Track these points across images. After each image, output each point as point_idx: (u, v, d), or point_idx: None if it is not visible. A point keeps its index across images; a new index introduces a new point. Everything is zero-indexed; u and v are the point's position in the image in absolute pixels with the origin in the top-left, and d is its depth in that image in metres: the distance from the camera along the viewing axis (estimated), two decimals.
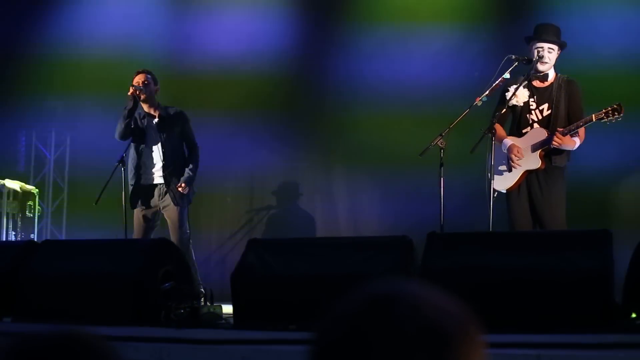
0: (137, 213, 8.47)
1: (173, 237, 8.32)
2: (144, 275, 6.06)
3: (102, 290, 5.98)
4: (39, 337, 1.53)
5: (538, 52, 7.27)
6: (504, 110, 7.30)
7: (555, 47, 7.31)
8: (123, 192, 8.24)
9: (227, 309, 6.21)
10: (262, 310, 5.68)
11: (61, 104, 11.55)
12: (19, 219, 10.78)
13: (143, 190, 8.43)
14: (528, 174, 7.25)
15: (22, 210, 10.81)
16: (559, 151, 7.16)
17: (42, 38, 11.55)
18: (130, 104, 8.34)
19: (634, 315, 5.17)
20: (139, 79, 8.50)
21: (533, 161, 7.19)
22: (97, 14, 11.46)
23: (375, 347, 1.34)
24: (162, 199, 8.41)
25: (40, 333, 1.54)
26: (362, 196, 10.55)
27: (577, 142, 7.13)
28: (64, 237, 11.33)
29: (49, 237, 11.00)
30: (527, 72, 7.32)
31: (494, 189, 7.20)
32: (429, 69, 10.12)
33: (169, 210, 8.41)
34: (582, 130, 7.14)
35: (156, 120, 8.50)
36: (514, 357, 4.16)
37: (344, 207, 10.65)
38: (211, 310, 5.95)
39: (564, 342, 4.38)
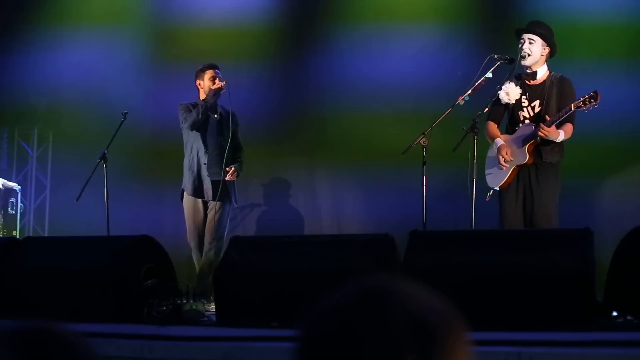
0: (194, 201, 8.49)
1: (209, 234, 8.42)
2: (126, 272, 6.06)
3: (84, 287, 5.98)
4: (9, 332, 1.51)
5: (520, 41, 7.32)
6: (487, 109, 7.34)
7: (538, 40, 7.32)
8: (105, 189, 8.21)
9: (210, 306, 6.21)
10: (245, 308, 5.69)
11: (44, 101, 11.52)
12: (1, 216, 10.76)
13: (206, 184, 8.45)
14: (519, 170, 7.27)
15: (5, 207, 10.78)
16: (547, 143, 7.18)
17: (25, 35, 11.53)
18: (211, 100, 8.42)
19: (615, 313, 5.20)
20: (217, 75, 8.57)
21: (521, 156, 7.22)
22: (81, 20, 11.47)
23: (365, 341, 1.35)
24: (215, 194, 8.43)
25: (11, 327, 1.52)
26: (345, 194, 10.55)
27: (561, 133, 7.15)
28: (46, 234, 11.30)
29: (31, 234, 10.96)
30: (510, 70, 7.35)
31: (473, 187, 7.23)
32: (412, 68, 10.12)
33: (218, 207, 8.42)
34: (569, 127, 7.18)
35: (216, 117, 8.60)
36: (495, 354, 4.18)
37: (327, 205, 10.66)
38: (193, 307, 5.94)
39: (545, 339, 4.40)
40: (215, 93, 8.42)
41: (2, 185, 10.78)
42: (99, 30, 11.23)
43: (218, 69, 8.64)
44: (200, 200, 8.48)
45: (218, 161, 8.47)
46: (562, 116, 7.06)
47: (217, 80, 8.50)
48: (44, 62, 11.35)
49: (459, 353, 1.40)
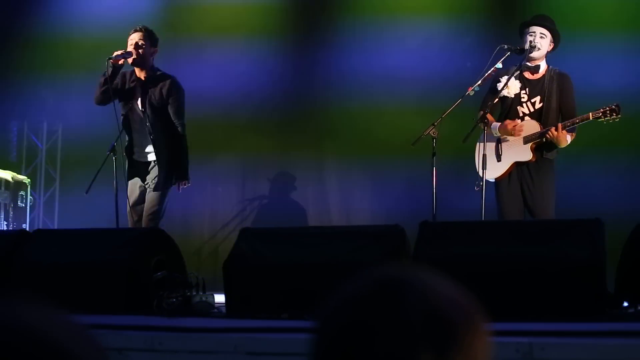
0: (132, 184, 8.06)
1: (143, 222, 7.94)
2: (136, 264, 6.05)
3: (94, 279, 5.98)
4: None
5: (530, 35, 7.26)
6: (496, 100, 7.31)
7: (548, 35, 7.29)
8: (114, 182, 8.17)
9: (220, 298, 6.21)
10: (254, 299, 5.68)
11: (53, 94, 11.52)
12: (10, 209, 10.76)
13: (137, 166, 8.02)
14: (517, 165, 7.25)
15: (14, 200, 10.79)
16: (551, 145, 7.16)
17: (32, 28, 11.53)
18: (108, 71, 7.66)
19: (626, 303, 5.19)
20: (133, 40, 7.78)
21: (524, 153, 7.20)
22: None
23: (379, 333, 1.32)
24: (149, 178, 7.98)
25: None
26: (354, 186, 10.55)
27: (569, 140, 7.12)
28: (56, 227, 11.32)
29: (41, 227, 10.98)
30: (519, 62, 7.32)
31: (483, 178, 7.21)
32: (421, 60, 10.11)
33: (149, 191, 7.97)
34: (575, 127, 7.14)
35: (141, 85, 7.88)
36: (506, 345, 4.17)
37: (336, 197, 10.65)
38: (203, 299, 5.94)
39: (556, 330, 4.39)
40: (112, 66, 7.66)
41: (12, 178, 10.78)
42: (106, 20, 11.21)
43: (142, 31, 7.82)
44: (138, 182, 8.06)
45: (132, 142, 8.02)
46: (577, 123, 7.01)
47: (114, 53, 7.66)
48: (52, 54, 11.36)
49: (479, 350, 1.37)
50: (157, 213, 7.90)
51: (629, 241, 5.28)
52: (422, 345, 1.31)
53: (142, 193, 8.05)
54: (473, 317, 1.38)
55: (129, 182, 8.10)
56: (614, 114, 6.83)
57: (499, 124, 7.32)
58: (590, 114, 6.93)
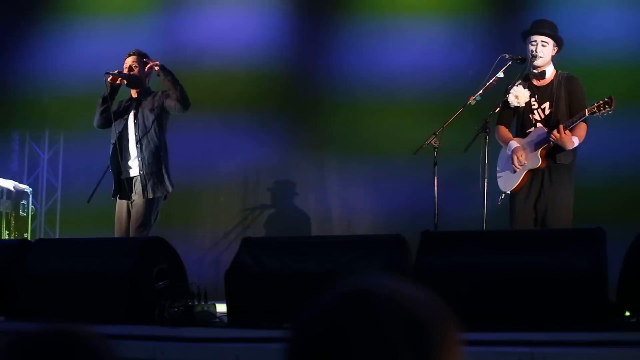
0: (120, 204, 8.03)
1: (130, 233, 7.87)
2: (138, 274, 6.05)
3: (96, 289, 5.98)
4: (36, 335, 1.51)
5: (531, 44, 7.25)
6: (497, 109, 7.29)
7: (550, 42, 7.26)
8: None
9: (221, 307, 6.22)
10: (256, 309, 5.68)
11: (54, 103, 11.53)
12: (12, 218, 10.77)
13: (123, 185, 7.93)
14: (532, 173, 7.22)
15: (16, 209, 10.80)
16: (561, 149, 7.13)
17: (34, 36, 11.54)
18: (107, 91, 7.87)
19: (627, 313, 5.18)
20: (127, 63, 8.01)
21: (533, 160, 7.17)
22: (91, 18, 11.47)
23: (355, 341, 1.34)
24: (135, 192, 7.94)
25: (37, 330, 1.52)
26: (356, 194, 10.54)
27: (575, 141, 7.09)
28: (57, 236, 11.31)
29: (42, 236, 10.98)
30: (522, 70, 7.30)
31: (484, 188, 7.19)
32: (423, 68, 10.11)
33: (136, 202, 7.92)
34: (582, 129, 7.09)
35: (134, 104, 8.01)
36: (507, 354, 4.17)
37: (337, 204, 10.65)
38: (205, 308, 5.94)
39: (557, 340, 4.39)
40: (110, 86, 7.87)
41: (14, 187, 10.80)
42: (112, 31, 11.23)
43: (136, 55, 8.04)
44: (125, 201, 8.02)
45: (135, 155, 7.98)
46: (575, 121, 6.99)
47: (111, 75, 7.88)
48: (56, 63, 11.36)
49: (453, 348, 1.38)
50: (145, 223, 7.87)
51: (630, 250, 5.27)
52: (402, 347, 1.32)
53: (129, 212, 8.00)
54: (443, 318, 1.40)
55: (117, 202, 8.06)
56: (607, 107, 6.82)
57: (515, 144, 7.26)
58: (586, 110, 6.93)
